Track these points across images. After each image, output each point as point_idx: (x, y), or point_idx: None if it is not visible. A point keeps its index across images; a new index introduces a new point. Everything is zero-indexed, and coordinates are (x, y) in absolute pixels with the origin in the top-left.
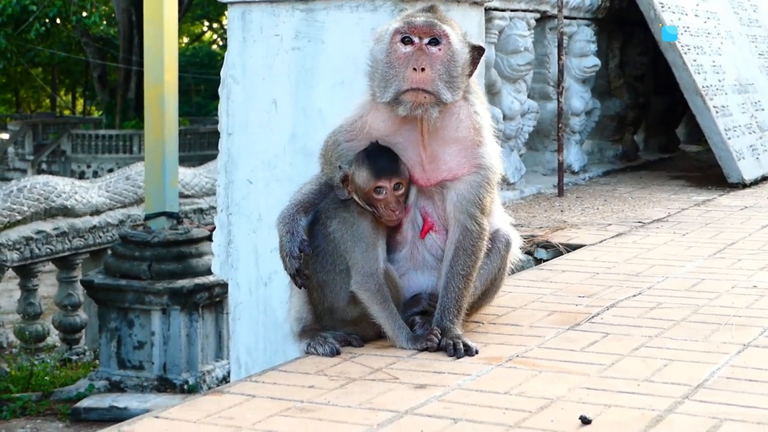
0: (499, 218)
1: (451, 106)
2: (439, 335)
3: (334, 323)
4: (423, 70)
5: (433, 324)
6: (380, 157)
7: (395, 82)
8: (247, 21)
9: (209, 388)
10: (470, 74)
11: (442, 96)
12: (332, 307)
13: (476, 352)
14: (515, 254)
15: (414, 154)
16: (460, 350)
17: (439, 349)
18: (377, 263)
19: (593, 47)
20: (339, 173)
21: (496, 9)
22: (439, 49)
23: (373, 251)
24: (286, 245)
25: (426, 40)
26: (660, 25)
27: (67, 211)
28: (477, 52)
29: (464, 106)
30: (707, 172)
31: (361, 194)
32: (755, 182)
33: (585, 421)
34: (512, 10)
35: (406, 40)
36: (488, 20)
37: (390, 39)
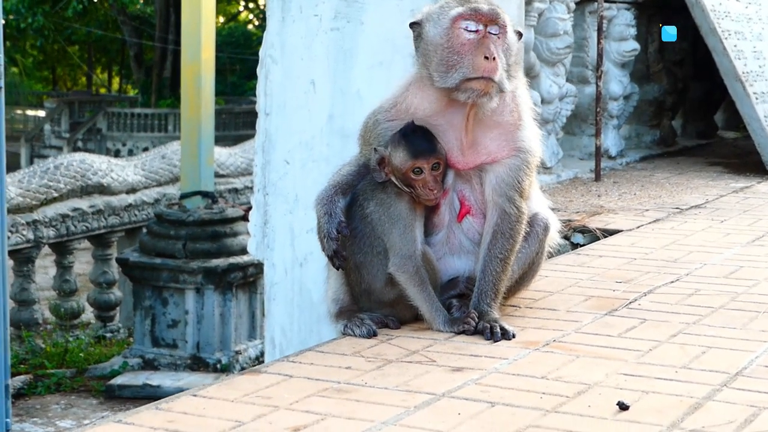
0: (537, 202)
1: (500, 94)
2: (476, 318)
3: (371, 305)
4: (494, 59)
5: (470, 307)
6: (417, 137)
7: (461, 68)
8: (287, 0)
9: (242, 367)
10: (516, 61)
11: (504, 85)
12: (369, 288)
13: (513, 336)
14: (553, 238)
15: (454, 138)
16: (497, 334)
17: (476, 332)
18: (415, 245)
19: (632, 31)
20: (375, 155)
21: None
22: (499, 38)
23: (410, 233)
24: (324, 226)
25: (492, 29)
26: (701, 10)
27: (103, 189)
28: (518, 36)
29: (509, 92)
30: (745, 159)
31: (398, 175)
32: None
33: (622, 407)
34: None
35: (471, 27)
36: (528, 3)
37: (451, 23)
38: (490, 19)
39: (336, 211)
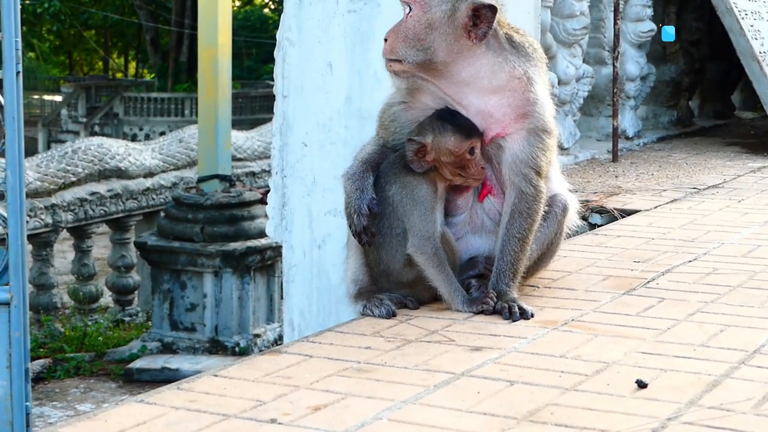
0: (557, 183)
1: (468, 57)
2: (494, 298)
3: (390, 285)
4: (385, 40)
5: (489, 287)
6: (460, 119)
7: None
8: None
9: (260, 350)
10: (478, 35)
11: (408, 58)
12: (388, 269)
13: (532, 316)
14: (572, 219)
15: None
16: (516, 314)
17: (495, 312)
18: (434, 227)
19: (649, 12)
20: (412, 146)
21: None
22: (410, 15)
23: (431, 215)
24: (355, 202)
25: (406, 9)
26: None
27: (120, 173)
28: (487, 10)
29: (496, 58)
30: (763, 139)
31: (450, 159)
32: None
33: (641, 385)
34: None
35: (405, 9)
36: None
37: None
38: (405, 0)
39: (367, 187)
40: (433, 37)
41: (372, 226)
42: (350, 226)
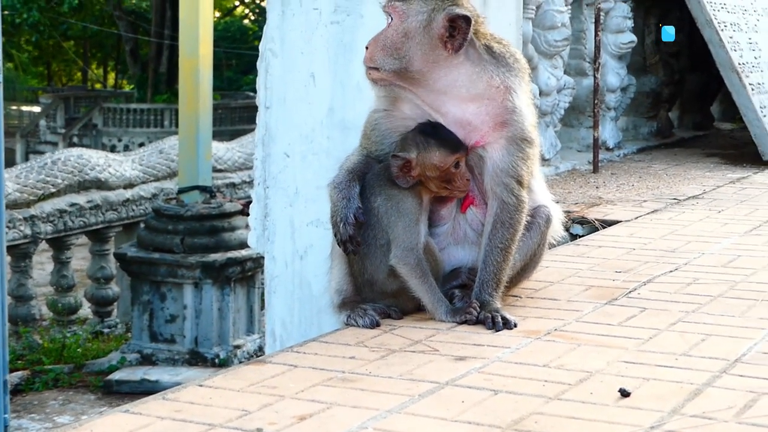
0: (541, 195)
1: (445, 66)
2: (478, 308)
3: (374, 295)
4: (366, 48)
5: (472, 297)
6: (444, 132)
7: None
8: None
9: (240, 362)
10: (454, 45)
11: (386, 66)
12: (372, 279)
13: (515, 326)
14: (557, 230)
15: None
16: (499, 323)
17: (478, 322)
18: (418, 238)
19: (630, 23)
20: (397, 162)
21: None
22: (390, 25)
23: (415, 227)
24: (342, 211)
25: (388, 19)
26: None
27: (100, 184)
28: (462, 21)
29: (474, 67)
30: (742, 150)
31: (435, 174)
32: None
33: (624, 393)
34: None
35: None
36: None
37: None
38: (386, 10)
39: (354, 196)
40: (409, 45)
41: (357, 235)
42: (336, 235)
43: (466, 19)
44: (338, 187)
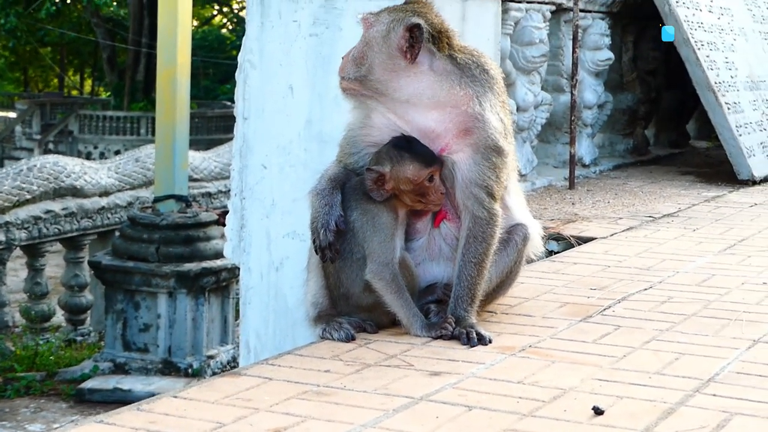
0: (520, 212)
1: (405, 75)
2: (453, 324)
3: (350, 309)
4: (342, 58)
5: (447, 313)
6: (418, 146)
7: None
8: (266, 6)
9: (213, 372)
10: (413, 54)
11: (350, 74)
12: (348, 293)
13: (489, 342)
14: (537, 246)
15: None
16: (474, 339)
17: (453, 337)
18: (393, 253)
19: (607, 41)
20: (371, 175)
21: (512, 0)
22: (362, 37)
23: (390, 242)
24: (323, 217)
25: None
26: (663, 24)
27: (76, 192)
28: (417, 30)
29: (437, 76)
30: (717, 169)
31: (410, 187)
32: (765, 179)
33: (597, 411)
34: (528, 2)
35: None
36: (504, 11)
37: None
38: (361, 22)
39: (335, 204)
40: (370, 54)
41: (337, 243)
42: (314, 242)
43: (420, 29)
44: (320, 194)
